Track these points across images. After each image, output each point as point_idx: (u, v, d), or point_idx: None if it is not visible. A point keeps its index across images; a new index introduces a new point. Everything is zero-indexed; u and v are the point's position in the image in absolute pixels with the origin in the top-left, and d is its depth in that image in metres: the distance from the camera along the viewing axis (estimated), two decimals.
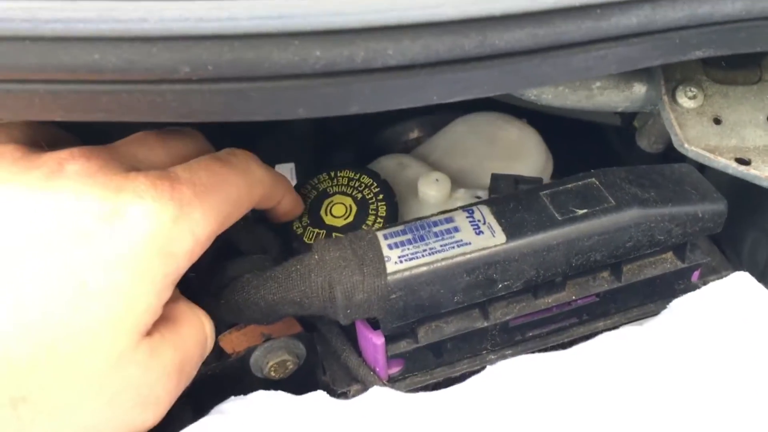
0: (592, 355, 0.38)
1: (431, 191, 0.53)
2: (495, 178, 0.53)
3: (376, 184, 0.51)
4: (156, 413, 0.35)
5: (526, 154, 0.60)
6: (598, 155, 0.81)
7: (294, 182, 0.65)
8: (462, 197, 0.54)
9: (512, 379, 0.38)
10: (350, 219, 0.48)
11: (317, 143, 0.72)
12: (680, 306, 0.41)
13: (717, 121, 0.48)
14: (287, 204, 0.46)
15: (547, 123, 0.64)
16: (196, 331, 0.36)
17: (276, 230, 0.49)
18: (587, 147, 0.80)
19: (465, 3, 0.26)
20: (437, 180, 0.53)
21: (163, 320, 0.34)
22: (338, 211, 0.49)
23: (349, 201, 0.49)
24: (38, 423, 0.30)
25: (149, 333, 0.33)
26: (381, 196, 0.50)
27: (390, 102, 0.30)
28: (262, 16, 0.26)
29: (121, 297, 0.30)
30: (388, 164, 0.58)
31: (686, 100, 0.48)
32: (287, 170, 0.66)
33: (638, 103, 0.50)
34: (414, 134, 0.73)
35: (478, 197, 0.54)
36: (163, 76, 0.27)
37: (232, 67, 0.26)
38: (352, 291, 0.39)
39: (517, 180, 0.53)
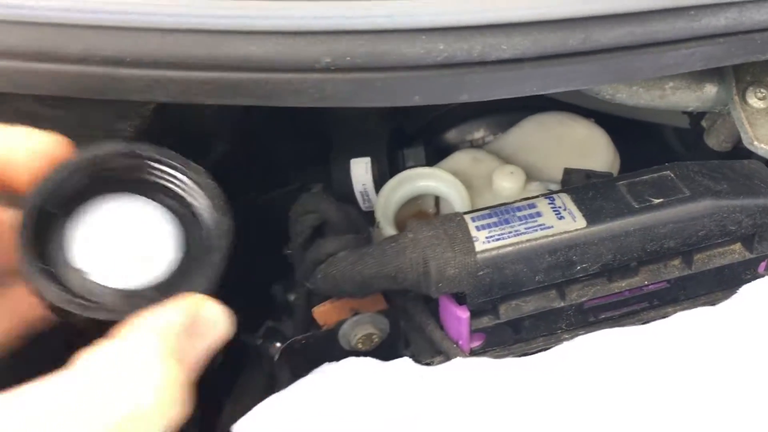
0: (668, 332, 0.41)
1: (506, 183, 0.56)
2: (567, 171, 0.56)
3: None
4: None
5: (594, 152, 0.62)
6: (657, 155, 0.83)
7: (369, 175, 0.69)
8: (535, 189, 0.57)
9: (591, 352, 0.41)
10: None
11: (390, 140, 0.76)
12: (751, 290, 0.43)
13: None
14: None
15: (606, 124, 0.67)
16: None
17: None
18: (646, 147, 0.82)
19: (573, 3, 0.30)
20: (512, 173, 0.56)
21: None
22: None
23: None
24: None
25: None
26: None
27: (495, 92, 0.34)
28: (395, 14, 0.30)
29: None
30: (463, 158, 0.61)
31: (756, 101, 0.51)
32: (363, 164, 0.70)
33: (709, 103, 0.53)
34: (479, 134, 0.77)
35: (550, 190, 0.57)
36: (306, 66, 0.31)
37: (367, 58, 0.30)
38: (444, 266, 0.42)
39: (589, 174, 0.56)
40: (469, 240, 0.43)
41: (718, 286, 0.50)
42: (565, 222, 0.44)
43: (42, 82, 0.33)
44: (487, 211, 0.45)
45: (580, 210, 0.45)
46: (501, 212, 0.45)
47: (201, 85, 0.32)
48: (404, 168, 0.70)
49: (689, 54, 0.34)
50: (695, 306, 0.50)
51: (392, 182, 0.55)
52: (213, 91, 0.32)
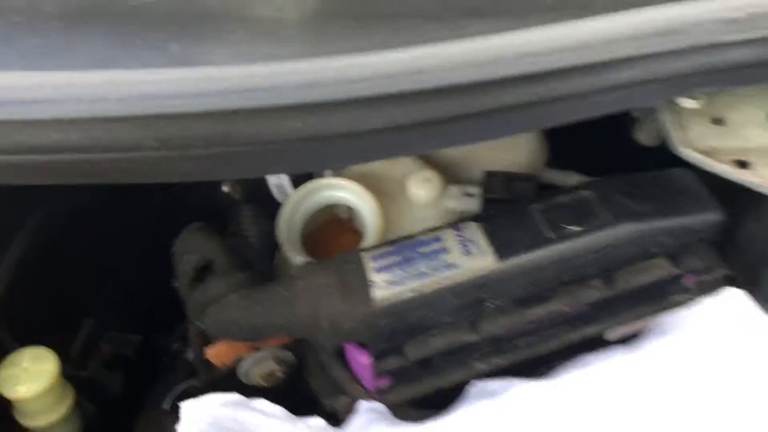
0: (583, 385, 0.37)
1: (422, 191, 0.51)
2: (489, 175, 0.52)
3: None
4: None
5: (519, 140, 0.58)
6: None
7: None
8: (454, 195, 0.52)
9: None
10: None
11: None
12: (671, 326, 0.40)
13: (718, 121, 0.46)
14: None
15: None
16: None
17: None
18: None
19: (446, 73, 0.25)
20: (428, 179, 0.51)
21: None
22: None
23: None
24: None
25: None
26: None
27: (372, 156, 0.28)
28: (233, 88, 0.24)
29: None
30: None
31: (688, 101, 0.46)
32: None
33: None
34: None
35: (470, 194, 0.52)
36: (128, 148, 0.25)
37: (202, 140, 0.25)
38: (338, 319, 0.38)
39: (510, 177, 0.51)
40: (365, 287, 0.38)
41: (642, 301, 0.47)
42: (473, 258, 0.40)
43: None
44: (390, 248, 0.41)
45: (491, 243, 0.40)
46: (404, 249, 0.40)
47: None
48: None
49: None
50: (617, 322, 0.47)
51: (293, 199, 0.49)
52: (14, 172, 0.26)
